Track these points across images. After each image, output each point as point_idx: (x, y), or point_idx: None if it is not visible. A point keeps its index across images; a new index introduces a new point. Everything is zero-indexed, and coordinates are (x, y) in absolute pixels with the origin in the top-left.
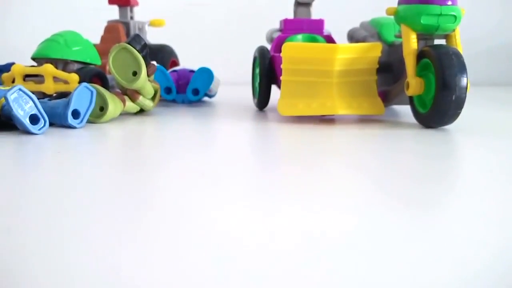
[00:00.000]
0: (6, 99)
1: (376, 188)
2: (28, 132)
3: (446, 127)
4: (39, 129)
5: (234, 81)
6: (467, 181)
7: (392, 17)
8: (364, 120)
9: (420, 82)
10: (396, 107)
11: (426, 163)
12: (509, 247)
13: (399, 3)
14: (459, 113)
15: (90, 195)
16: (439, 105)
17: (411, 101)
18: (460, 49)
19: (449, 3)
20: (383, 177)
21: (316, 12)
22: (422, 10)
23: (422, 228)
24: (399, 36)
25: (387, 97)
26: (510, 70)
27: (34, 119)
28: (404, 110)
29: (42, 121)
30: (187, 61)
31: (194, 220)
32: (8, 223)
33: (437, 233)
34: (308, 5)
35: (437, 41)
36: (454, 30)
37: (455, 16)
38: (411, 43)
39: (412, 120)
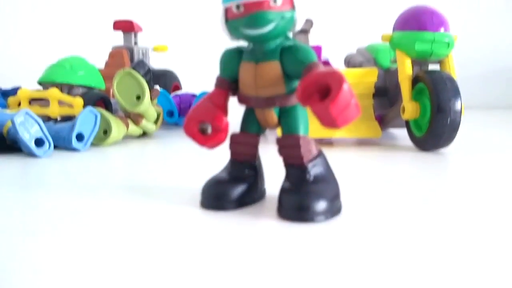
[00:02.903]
0: (12, 122)
1: (371, 208)
2: (33, 155)
3: (442, 150)
4: (44, 152)
5: (234, 104)
6: (461, 202)
7: (387, 43)
8: (362, 143)
9: (416, 106)
10: (393, 130)
11: (422, 186)
12: (508, 265)
13: (394, 30)
14: (455, 136)
15: (90, 217)
16: (435, 128)
17: (407, 124)
18: (454, 74)
19: (442, 30)
20: (378, 198)
21: (314, 39)
22: (416, 36)
23: (419, 249)
24: (395, 62)
25: (383, 121)
26: (503, 94)
27: (39, 142)
28: (401, 133)
29: (47, 144)
30: (189, 85)
31: (192, 248)
32: (13, 244)
33: (434, 254)
34: (306, 32)
35: (431, 66)
36: (447, 56)
37: (448, 43)
38: (406, 68)
39: (409, 143)
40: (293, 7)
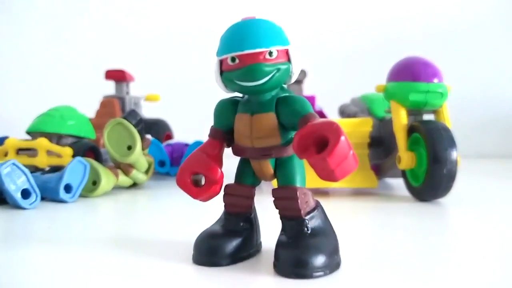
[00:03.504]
0: None
1: (369, 262)
2: (19, 206)
3: (440, 199)
4: (30, 204)
5: (229, 153)
6: (461, 255)
7: (381, 93)
8: (358, 193)
9: (412, 156)
10: (389, 179)
11: (422, 238)
12: None
13: (387, 81)
14: (452, 186)
15: (78, 273)
16: (432, 178)
17: (403, 174)
18: (449, 123)
19: (436, 80)
20: (377, 251)
21: (307, 88)
22: (410, 87)
23: None
24: (389, 112)
25: (380, 171)
26: (498, 143)
27: (25, 193)
28: (397, 183)
29: (33, 195)
30: (182, 134)
31: None
32: None
33: None
34: (299, 82)
35: (426, 116)
36: (442, 106)
37: (441, 93)
38: (400, 118)
39: (405, 193)
40: (288, 59)
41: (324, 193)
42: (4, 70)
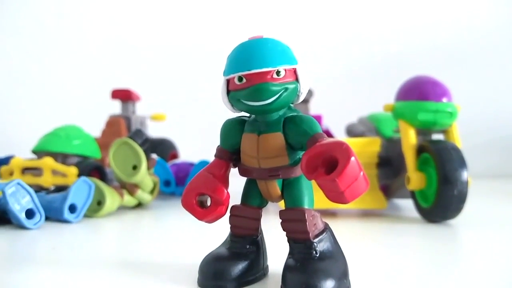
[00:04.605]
0: (3, 193)
1: (380, 287)
2: (23, 227)
3: (450, 221)
4: (35, 224)
5: (235, 173)
6: (473, 278)
7: (389, 112)
8: (366, 214)
9: (421, 177)
10: (398, 200)
11: (431, 260)
12: None
13: (396, 100)
14: (462, 207)
15: None
16: (442, 199)
17: (412, 195)
18: (459, 143)
19: (445, 100)
20: (387, 275)
21: (314, 107)
22: (419, 106)
23: None
24: (398, 131)
25: (388, 191)
26: (511, 162)
27: (30, 213)
28: (406, 204)
29: (38, 215)
30: (187, 154)
31: None
32: None
33: None
34: (306, 101)
35: (435, 136)
36: (451, 125)
37: (451, 113)
38: (409, 138)
39: (415, 214)
40: (296, 79)
41: (331, 214)
42: (10, 90)
